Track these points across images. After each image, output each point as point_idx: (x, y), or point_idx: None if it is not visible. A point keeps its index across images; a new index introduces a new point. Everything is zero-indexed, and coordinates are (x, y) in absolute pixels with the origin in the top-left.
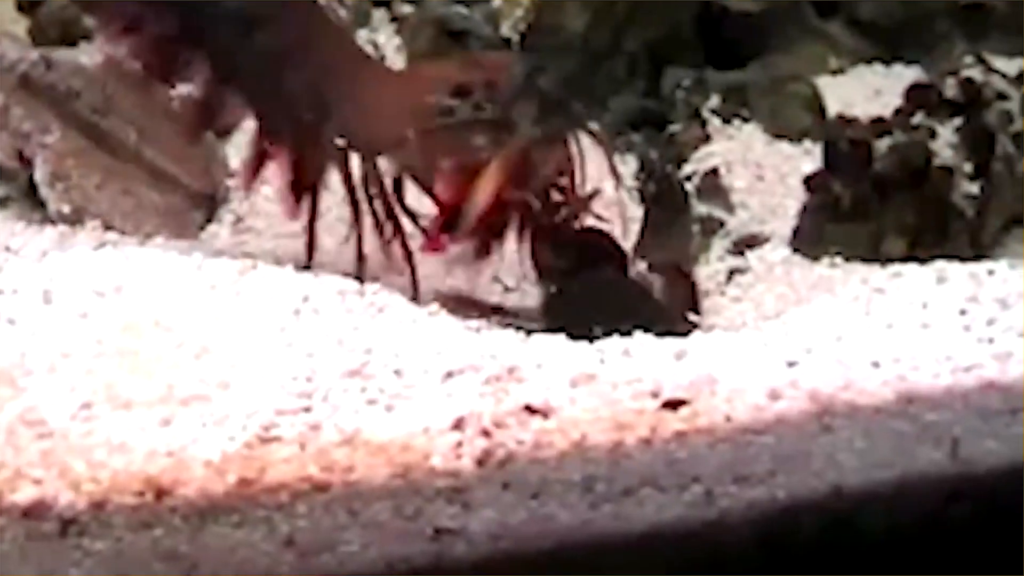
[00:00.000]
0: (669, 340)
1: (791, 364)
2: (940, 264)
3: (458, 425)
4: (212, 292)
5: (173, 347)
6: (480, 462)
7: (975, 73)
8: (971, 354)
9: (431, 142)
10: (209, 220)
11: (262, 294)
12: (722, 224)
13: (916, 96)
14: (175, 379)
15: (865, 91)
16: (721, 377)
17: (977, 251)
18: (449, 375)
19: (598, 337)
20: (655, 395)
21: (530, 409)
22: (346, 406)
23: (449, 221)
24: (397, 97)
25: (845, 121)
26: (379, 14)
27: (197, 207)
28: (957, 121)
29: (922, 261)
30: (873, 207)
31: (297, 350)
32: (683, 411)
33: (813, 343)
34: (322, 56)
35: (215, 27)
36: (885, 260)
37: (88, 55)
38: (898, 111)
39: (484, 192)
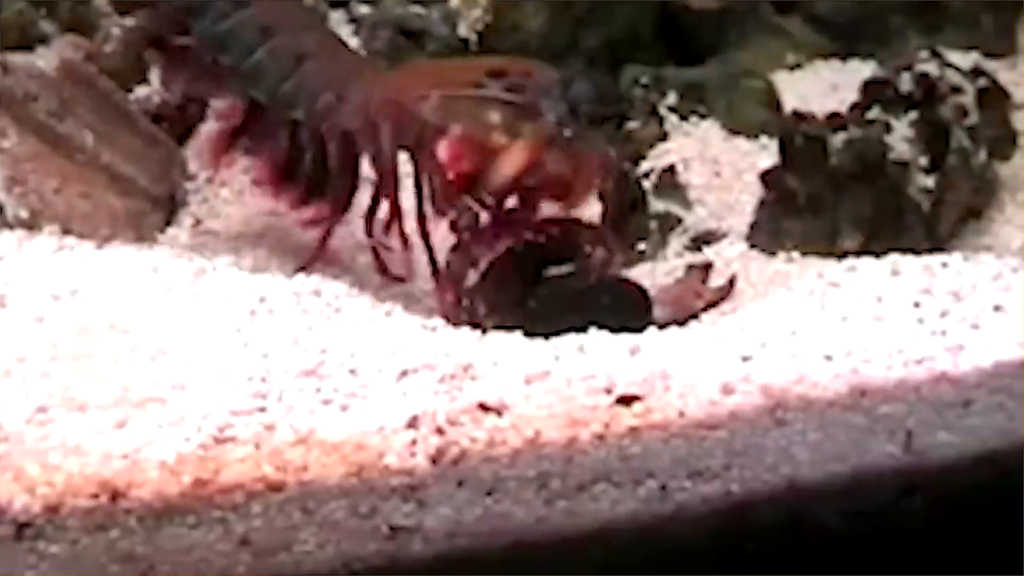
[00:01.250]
0: (624, 336)
1: (745, 359)
2: (895, 257)
3: (412, 423)
4: (168, 294)
5: (128, 349)
6: (434, 460)
7: (930, 68)
8: (924, 346)
9: (452, 108)
10: (168, 223)
11: (218, 295)
12: (679, 221)
13: (872, 91)
14: (130, 381)
15: (822, 86)
16: (675, 372)
17: (933, 244)
18: (404, 374)
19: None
20: (609, 391)
21: (484, 407)
22: (301, 406)
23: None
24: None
25: (801, 117)
26: (336, 15)
27: (156, 210)
28: (912, 115)
29: (877, 255)
30: (829, 202)
31: (252, 350)
32: (636, 407)
33: (767, 337)
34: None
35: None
36: (841, 254)
37: (45, 59)
38: (854, 106)
39: (512, 162)
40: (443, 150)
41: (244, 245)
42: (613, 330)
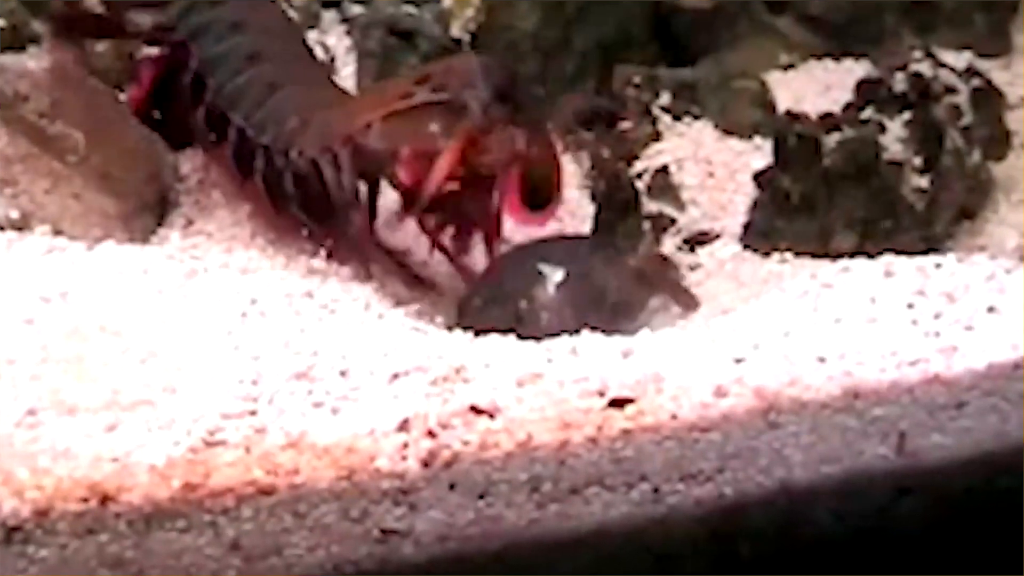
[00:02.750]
0: (616, 338)
1: (738, 360)
2: (888, 258)
3: (404, 426)
4: (159, 296)
5: (119, 352)
6: (426, 463)
7: (924, 68)
8: (917, 348)
9: (392, 128)
10: (160, 224)
11: (209, 297)
12: (673, 221)
13: (865, 91)
14: (121, 384)
15: (815, 86)
16: (667, 375)
17: (927, 245)
18: (395, 376)
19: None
20: (601, 394)
21: (476, 409)
22: (292, 409)
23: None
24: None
25: (794, 117)
26: (329, 15)
27: (147, 211)
28: (906, 115)
29: (871, 256)
30: (822, 202)
31: (243, 353)
32: (629, 409)
33: (760, 339)
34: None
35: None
36: (835, 255)
37: (35, 60)
38: (847, 106)
39: (439, 169)
40: (403, 173)
41: (236, 246)
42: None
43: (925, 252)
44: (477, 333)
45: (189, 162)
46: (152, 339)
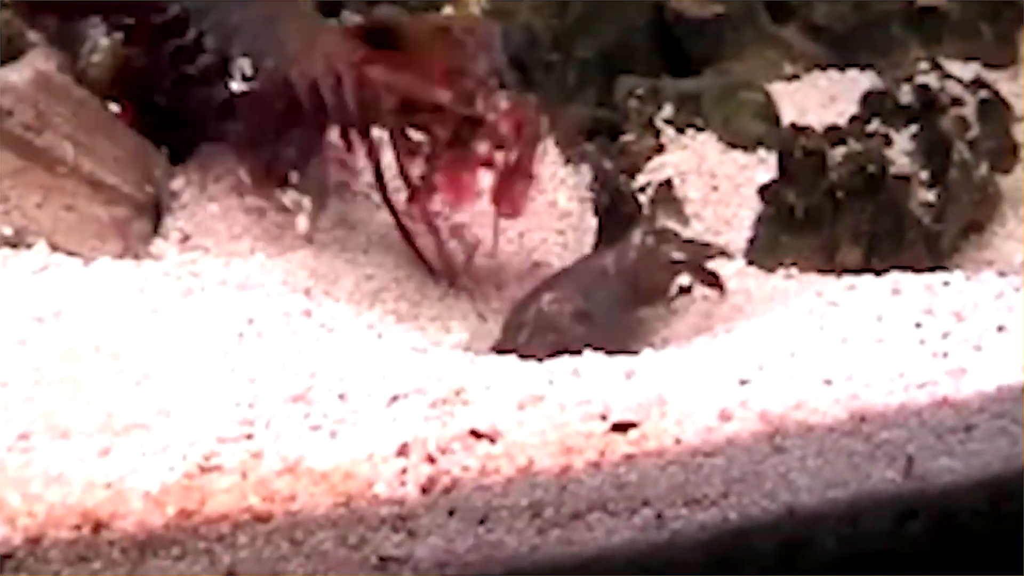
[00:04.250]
0: (619, 358)
1: (743, 382)
2: (895, 275)
3: (403, 451)
4: (154, 315)
5: (113, 374)
6: (425, 489)
7: (930, 79)
8: (925, 370)
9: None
10: (156, 230)
11: (206, 317)
12: (676, 235)
13: (871, 103)
14: (115, 407)
15: (820, 97)
16: (671, 398)
17: (934, 260)
18: (394, 399)
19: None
20: (604, 417)
21: (476, 434)
22: (289, 433)
23: None
24: None
25: (799, 130)
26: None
27: (142, 216)
28: (913, 128)
29: (878, 272)
30: (828, 217)
31: (240, 375)
32: (632, 433)
33: (765, 360)
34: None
35: None
36: (841, 270)
37: (17, 72)
38: (853, 118)
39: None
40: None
41: (234, 260)
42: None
43: (932, 267)
44: (522, 357)
45: (184, 176)
46: (147, 360)
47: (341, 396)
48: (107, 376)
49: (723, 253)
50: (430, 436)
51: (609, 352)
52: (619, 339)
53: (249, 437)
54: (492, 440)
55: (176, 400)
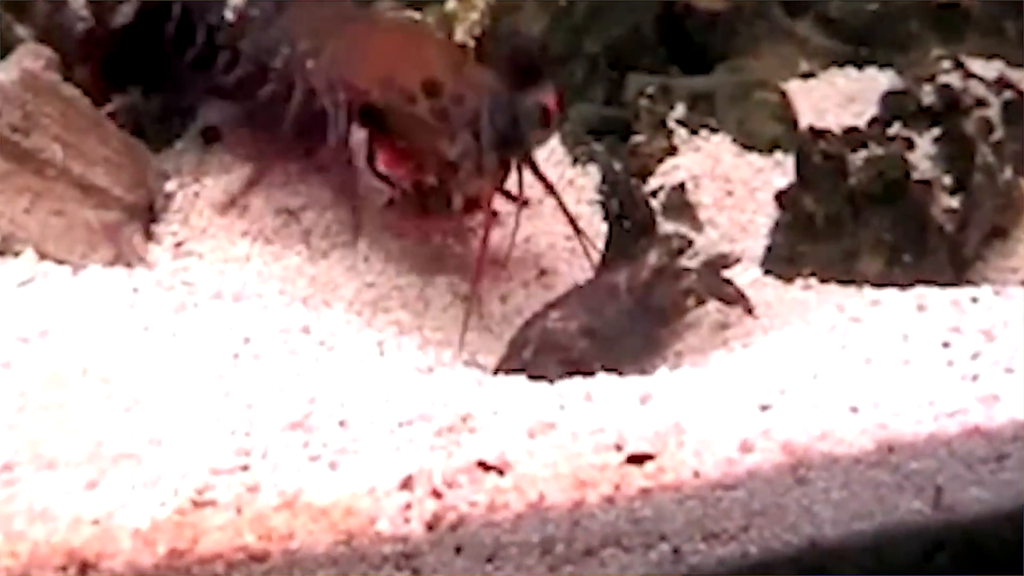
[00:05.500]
0: (633, 380)
1: (764, 408)
2: (920, 290)
3: (407, 484)
4: (145, 334)
5: (102, 399)
6: (430, 525)
7: (953, 79)
8: (955, 397)
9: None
10: (148, 235)
11: (199, 335)
12: (690, 243)
13: (892, 104)
14: (103, 435)
15: (838, 97)
16: (689, 426)
17: (957, 268)
18: (398, 426)
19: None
20: (619, 448)
21: (484, 465)
22: (286, 464)
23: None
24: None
25: (818, 133)
26: None
27: (133, 219)
28: (935, 131)
29: (900, 285)
30: (848, 224)
31: (235, 400)
32: (649, 466)
33: (787, 382)
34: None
35: None
36: (861, 281)
37: (4, 71)
38: (873, 120)
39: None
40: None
41: (229, 269)
42: None
43: (956, 276)
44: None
45: (177, 178)
46: (138, 384)
47: (342, 423)
48: (95, 402)
49: (738, 261)
50: (435, 468)
51: (620, 370)
52: (630, 355)
53: (245, 468)
54: (501, 472)
55: (168, 428)
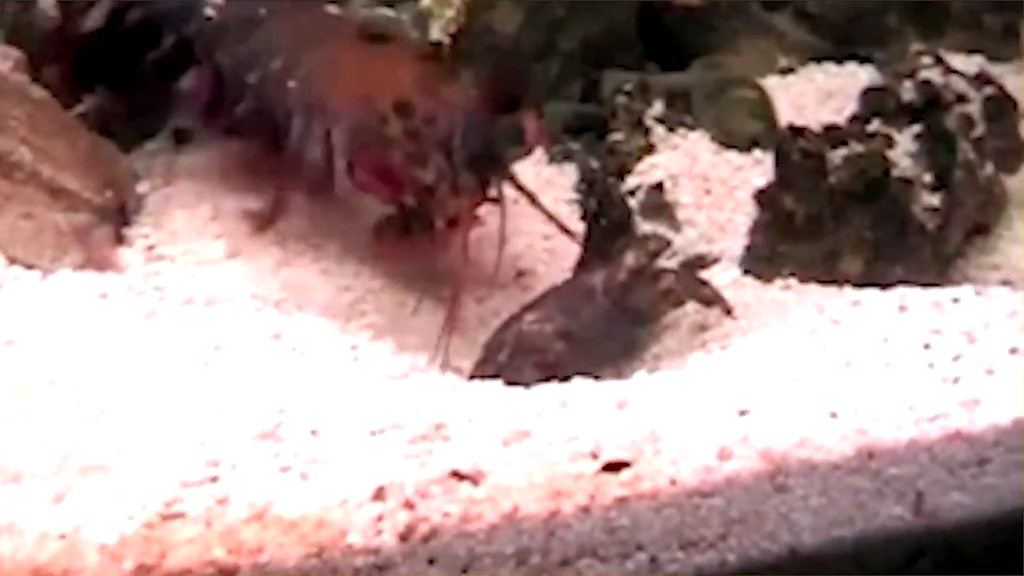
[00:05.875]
0: (610, 385)
1: (742, 413)
2: (902, 290)
3: (379, 495)
4: (114, 342)
5: (70, 409)
6: (403, 537)
7: (933, 74)
8: (936, 401)
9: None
10: (119, 238)
11: (169, 342)
12: (668, 243)
13: (872, 100)
14: (71, 446)
15: (817, 93)
16: (666, 433)
17: (939, 266)
18: (370, 435)
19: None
20: (595, 456)
21: (458, 475)
22: (257, 475)
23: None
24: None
25: (797, 131)
26: None
27: (104, 222)
28: (916, 128)
29: (883, 286)
30: (828, 223)
31: (205, 409)
32: (625, 474)
33: (766, 387)
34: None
35: None
36: (842, 281)
37: None
38: (853, 117)
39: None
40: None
41: (201, 272)
42: None
43: (937, 274)
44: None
45: (148, 180)
46: (106, 394)
47: (313, 432)
48: (63, 412)
49: (716, 261)
50: (408, 478)
51: (597, 373)
52: (607, 358)
53: (214, 480)
54: (475, 482)
55: (136, 438)
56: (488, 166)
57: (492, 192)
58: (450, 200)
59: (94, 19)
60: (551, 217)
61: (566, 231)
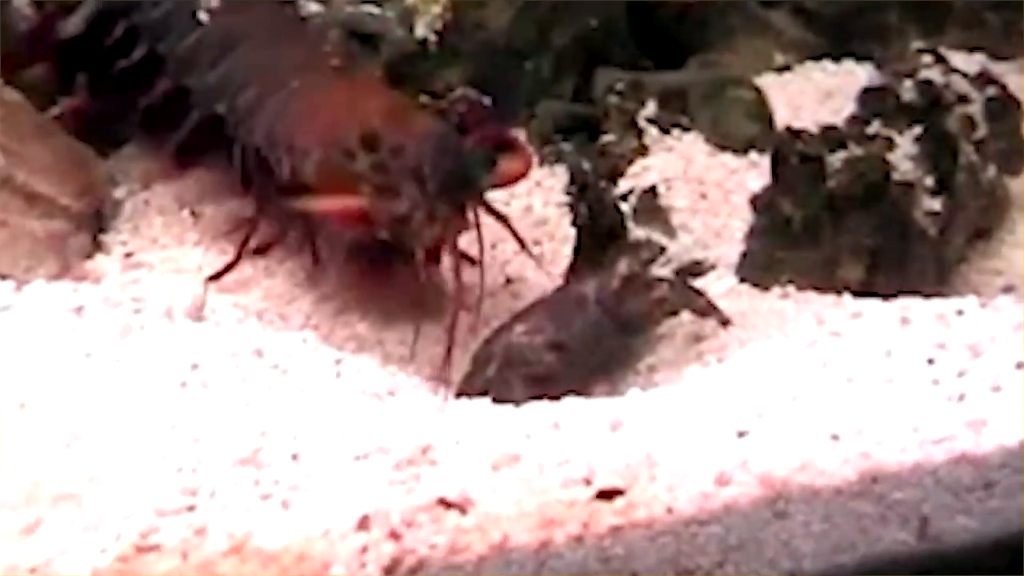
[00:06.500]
0: (603, 405)
1: (741, 434)
2: (904, 301)
3: (363, 525)
4: (87, 361)
5: (41, 434)
6: (388, 570)
7: (934, 74)
8: (941, 422)
9: (324, 169)
10: (96, 243)
11: (145, 362)
12: (662, 250)
13: (871, 101)
14: (42, 474)
15: (814, 92)
16: (662, 457)
17: (940, 271)
18: (354, 459)
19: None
20: (588, 482)
21: (445, 503)
22: (236, 503)
23: None
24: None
25: (795, 133)
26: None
27: (81, 229)
28: (916, 130)
29: (882, 294)
30: (827, 229)
31: (182, 433)
32: (619, 502)
33: (764, 405)
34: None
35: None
36: (842, 288)
37: None
38: (852, 118)
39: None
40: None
41: (180, 281)
42: None
43: (938, 280)
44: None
45: (126, 185)
46: (79, 417)
47: (294, 457)
48: (33, 438)
49: (712, 268)
50: (393, 507)
51: (589, 385)
52: (600, 369)
53: (191, 509)
54: (463, 511)
55: (110, 465)
56: (461, 191)
57: (469, 218)
58: (426, 229)
59: (74, 25)
60: (523, 245)
61: (533, 257)
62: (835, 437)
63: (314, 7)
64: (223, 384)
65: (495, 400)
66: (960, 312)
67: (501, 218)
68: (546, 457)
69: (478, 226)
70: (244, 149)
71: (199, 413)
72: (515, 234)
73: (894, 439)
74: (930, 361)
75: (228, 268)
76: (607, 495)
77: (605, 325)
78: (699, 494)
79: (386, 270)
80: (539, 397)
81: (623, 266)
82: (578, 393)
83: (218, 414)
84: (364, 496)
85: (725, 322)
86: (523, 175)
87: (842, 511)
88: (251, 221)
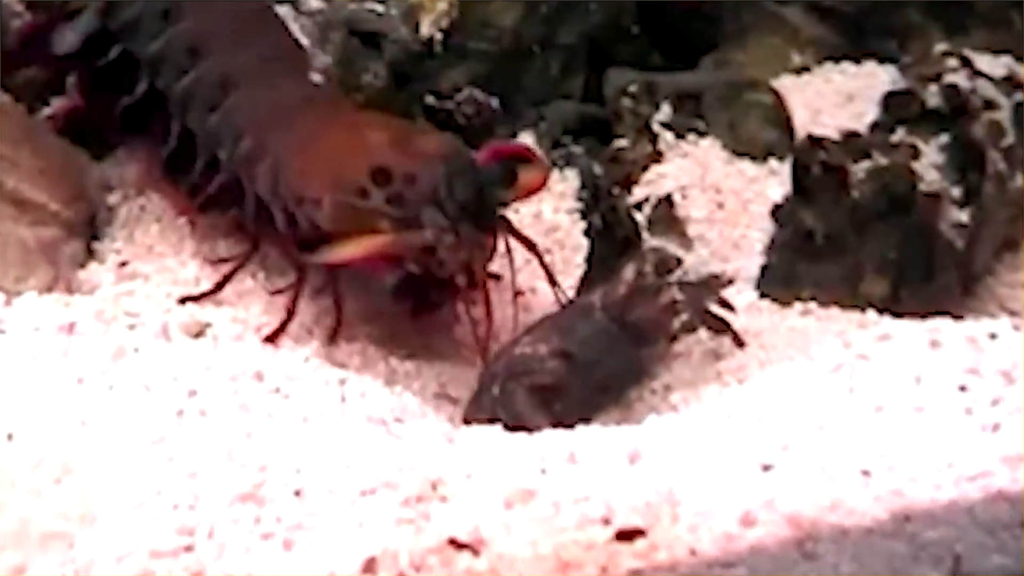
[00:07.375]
0: (620, 433)
1: (766, 468)
2: (933, 323)
3: (370, 567)
4: (79, 388)
5: (29, 469)
6: None
7: (959, 78)
8: (976, 456)
9: (339, 213)
10: (90, 250)
11: (140, 388)
12: (679, 262)
13: (894, 106)
14: (31, 511)
15: (834, 95)
16: (684, 495)
17: (966, 284)
18: (360, 495)
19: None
20: (606, 521)
21: (456, 544)
22: (235, 543)
23: None
24: (330, 154)
25: (816, 141)
26: (283, 12)
27: (73, 236)
28: (943, 138)
29: (909, 313)
30: (851, 242)
31: (178, 467)
32: (639, 543)
33: (790, 435)
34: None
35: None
36: (865, 304)
37: None
38: (875, 125)
39: (358, 247)
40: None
41: (176, 294)
42: None
43: (964, 293)
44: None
45: (120, 191)
46: (69, 449)
47: (297, 493)
48: (22, 472)
49: (731, 282)
50: (402, 547)
51: (599, 399)
52: (611, 381)
53: (188, 550)
54: (475, 552)
55: (103, 502)
56: (483, 209)
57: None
58: (455, 253)
59: (69, 43)
60: (551, 277)
61: (556, 285)
62: (866, 473)
63: (315, 4)
64: (222, 412)
65: (503, 418)
66: (993, 336)
67: (528, 243)
68: (562, 493)
69: (508, 250)
70: (257, 200)
71: (197, 445)
72: (540, 260)
73: (927, 475)
74: (962, 388)
75: (282, 327)
76: (627, 536)
77: (613, 334)
78: (723, 535)
79: (425, 304)
80: (546, 408)
81: (629, 272)
82: (587, 407)
83: (217, 446)
84: (370, 536)
85: (741, 344)
86: (542, 186)
87: (872, 551)
88: (299, 278)
